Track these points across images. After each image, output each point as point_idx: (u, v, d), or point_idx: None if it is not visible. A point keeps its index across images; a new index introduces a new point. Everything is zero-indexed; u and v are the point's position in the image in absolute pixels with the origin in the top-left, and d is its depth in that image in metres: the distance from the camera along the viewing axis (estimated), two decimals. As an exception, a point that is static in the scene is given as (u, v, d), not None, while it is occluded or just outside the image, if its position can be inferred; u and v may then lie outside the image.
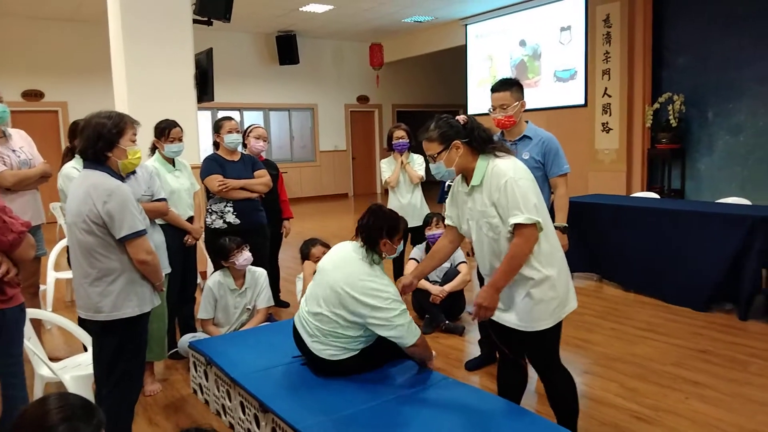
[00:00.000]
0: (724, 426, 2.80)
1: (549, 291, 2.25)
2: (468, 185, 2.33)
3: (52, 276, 4.90)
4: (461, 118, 2.36)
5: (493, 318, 2.37)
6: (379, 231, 2.73)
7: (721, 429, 2.77)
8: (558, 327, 2.32)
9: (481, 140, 2.31)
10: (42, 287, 4.19)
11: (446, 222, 2.57)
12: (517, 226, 2.16)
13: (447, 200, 2.58)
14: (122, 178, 2.49)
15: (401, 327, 2.64)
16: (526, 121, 3.25)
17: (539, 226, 2.18)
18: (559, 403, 2.44)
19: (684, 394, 3.14)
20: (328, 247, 3.82)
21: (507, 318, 2.33)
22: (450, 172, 2.34)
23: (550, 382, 2.43)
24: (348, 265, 2.73)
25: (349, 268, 2.71)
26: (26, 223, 2.31)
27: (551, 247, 2.28)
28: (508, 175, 2.19)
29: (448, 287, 4.24)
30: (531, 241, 2.18)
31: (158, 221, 3.40)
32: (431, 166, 2.38)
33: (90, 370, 2.66)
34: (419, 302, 4.38)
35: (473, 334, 4.05)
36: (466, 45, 11.06)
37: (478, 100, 10.74)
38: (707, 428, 2.78)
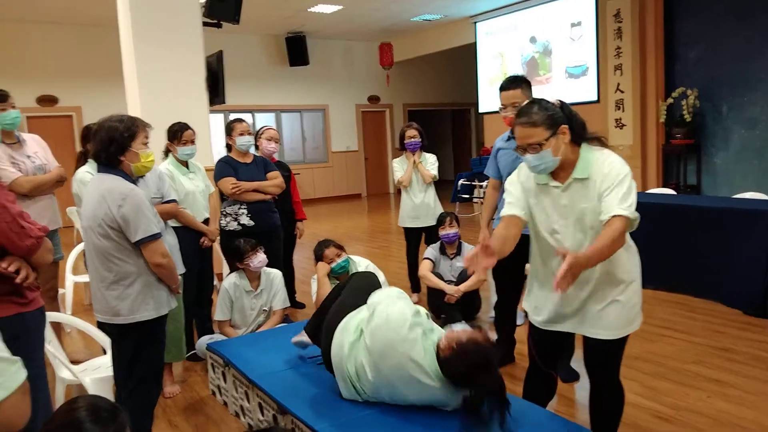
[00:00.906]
0: (747, 424, 2.76)
1: (634, 296, 2.11)
2: (561, 181, 2.07)
3: (70, 279, 4.94)
4: (555, 101, 2.11)
5: (559, 329, 2.20)
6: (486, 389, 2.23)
7: (744, 427, 2.73)
8: (627, 338, 2.18)
9: (581, 127, 2.07)
10: (61, 291, 4.23)
11: (507, 213, 2.18)
12: (618, 217, 1.94)
13: (508, 197, 2.22)
14: (134, 182, 2.50)
15: None
16: None
17: (630, 225, 2.01)
18: (605, 417, 2.29)
19: (705, 393, 3.10)
20: (341, 248, 3.81)
21: (588, 329, 2.13)
22: (554, 163, 2.03)
23: (607, 395, 2.27)
24: (425, 390, 2.31)
25: (427, 397, 2.35)
26: (44, 228, 2.32)
27: (635, 253, 2.17)
28: (625, 170, 1.99)
29: (463, 287, 4.21)
30: (625, 235, 1.98)
31: (173, 223, 3.42)
32: (529, 158, 2.02)
33: (110, 372, 2.67)
34: (435, 302, 4.36)
35: (490, 334, 4.02)
36: (476, 42, 11.02)
37: (489, 98, 10.70)
38: (730, 427, 2.74)
